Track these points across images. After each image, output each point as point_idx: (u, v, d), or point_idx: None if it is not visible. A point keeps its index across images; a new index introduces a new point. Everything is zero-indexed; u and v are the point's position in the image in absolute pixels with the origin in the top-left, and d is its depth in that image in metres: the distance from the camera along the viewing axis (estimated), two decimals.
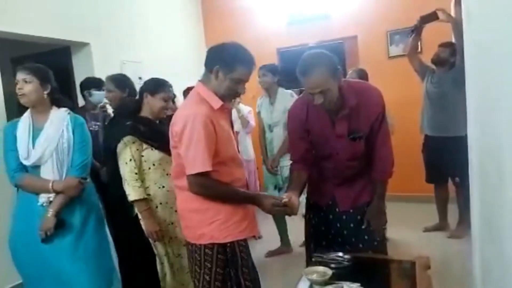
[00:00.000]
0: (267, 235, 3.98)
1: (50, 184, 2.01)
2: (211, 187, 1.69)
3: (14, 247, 2.08)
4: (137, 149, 2.11)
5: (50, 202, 2.02)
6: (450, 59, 3.44)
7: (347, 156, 1.90)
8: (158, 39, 4.83)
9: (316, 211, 2.08)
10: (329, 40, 4.92)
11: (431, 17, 3.34)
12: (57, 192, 2.02)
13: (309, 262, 1.88)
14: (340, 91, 1.77)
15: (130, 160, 2.10)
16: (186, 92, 4.21)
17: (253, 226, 1.86)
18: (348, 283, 1.55)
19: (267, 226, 4.18)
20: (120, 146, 2.13)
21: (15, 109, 4.32)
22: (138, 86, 4.24)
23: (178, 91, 3.81)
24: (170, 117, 2.30)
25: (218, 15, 5.60)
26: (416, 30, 3.54)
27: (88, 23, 3.87)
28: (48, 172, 2.04)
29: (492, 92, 1.36)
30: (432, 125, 3.57)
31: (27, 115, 2.10)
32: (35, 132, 2.05)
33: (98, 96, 3.29)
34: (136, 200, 2.09)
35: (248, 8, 5.39)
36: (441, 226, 3.73)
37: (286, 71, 5.21)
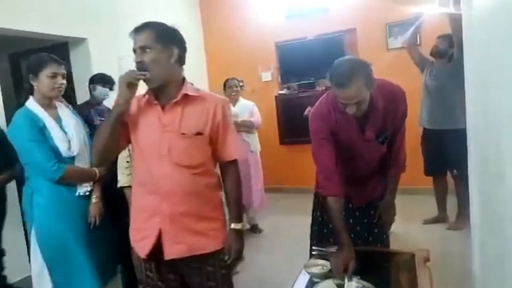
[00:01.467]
0: (268, 227, 3.99)
1: (96, 172, 2.11)
2: (95, 140, 1.55)
3: (51, 241, 2.04)
4: None
5: (89, 191, 2.12)
6: (448, 51, 3.43)
7: (373, 158, 1.90)
8: None
9: (325, 208, 2.00)
10: (328, 33, 4.90)
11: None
12: (95, 181, 2.13)
13: (311, 257, 1.88)
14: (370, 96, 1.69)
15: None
16: None
17: (144, 246, 1.54)
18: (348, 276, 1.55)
19: (267, 219, 4.20)
20: None
21: (15, 104, 4.33)
22: None
23: None
24: None
25: (216, 9, 5.57)
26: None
27: (86, 19, 3.85)
28: (83, 162, 2.11)
29: (491, 85, 1.36)
30: (431, 118, 3.57)
31: (38, 107, 2.02)
32: (58, 124, 2.07)
33: (101, 92, 3.29)
34: (124, 187, 2.15)
35: (246, 2, 5.36)
36: (441, 218, 3.74)
37: (285, 65, 5.22)
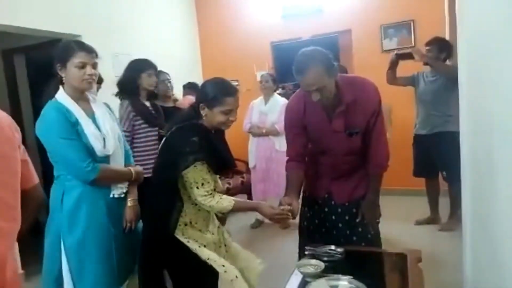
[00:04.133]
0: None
1: (132, 172, 1.93)
2: None
3: (80, 248, 1.79)
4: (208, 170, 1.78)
5: (124, 193, 1.92)
6: (440, 56, 3.45)
7: (344, 151, 1.92)
8: (151, 31, 4.79)
9: (311, 204, 2.09)
10: (323, 33, 4.91)
11: (407, 56, 3.46)
12: (131, 182, 1.94)
13: (302, 255, 1.89)
14: (337, 87, 1.77)
15: (203, 184, 1.76)
16: (187, 86, 4.21)
17: None
18: (340, 275, 1.56)
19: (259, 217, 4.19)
20: (189, 169, 1.75)
21: (7, 100, 4.30)
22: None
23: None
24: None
25: (211, 8, 5.56)
26: (392, 64, 3.58)
27: (80, 15, 3.82)
28: (118, 161, 1.92)
29: (485, 89, 1.37)
30: (424, 123, 3.59)
31: (69, 100, 1.80)
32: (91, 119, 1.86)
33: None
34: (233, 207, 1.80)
35: (241, 2, 5.36)
36: (433, 219, 3.76)
37: (281, 65, 5.23)
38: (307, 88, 1.72)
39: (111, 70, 4.01)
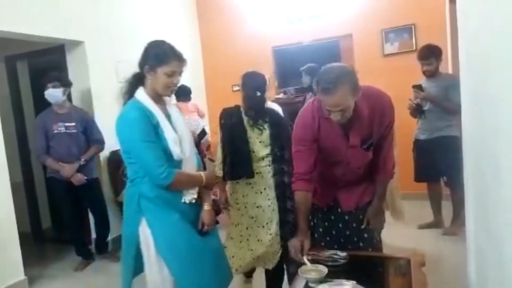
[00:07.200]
0: None
1: (203, 177, 1.88)
2: None
3: (178, 244, 1.81)
4: None
5: (195, 199, 1.88)
6: (439, 63, 3.48)
7: (358, 164, 1.91)
8: (153, 37, 4.80)
9: (315, 212, 2.06)
10: (324, 38, 4.92)
11: (419, 87, 3.49)
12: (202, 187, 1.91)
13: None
14: (355, 103, 1.70)
15: None
16: (177, 91, 4.12)
17: None
18: (343, 280, 1.55)
19: None
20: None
21: (11, 105, 4.30)
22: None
23: None
24: None
25: (213, 14, 5.58)
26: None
27: (83, 22, 3.84)
28: (191, 165, 1.89)
29: (488, 92, 1.37)
30: (425, 129, 3.60)
31: (150, 102, 1.79)
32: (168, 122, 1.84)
33: (53, 93, 3.25)
34: None
35: (243, 7, 5.38)
36: (436, 223, 3.75)
37: (282, 70, 5.23)
38: (331, 109, 1.64)
39: (114, 76, 4.03)
